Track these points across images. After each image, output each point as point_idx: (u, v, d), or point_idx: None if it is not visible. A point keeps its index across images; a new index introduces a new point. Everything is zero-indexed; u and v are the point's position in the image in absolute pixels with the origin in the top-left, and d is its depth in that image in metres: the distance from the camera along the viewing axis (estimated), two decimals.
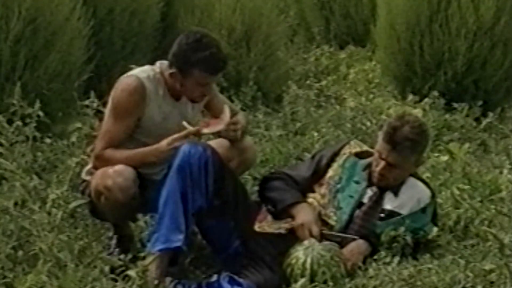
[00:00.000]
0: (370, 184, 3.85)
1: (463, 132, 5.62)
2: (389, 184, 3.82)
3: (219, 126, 3.74)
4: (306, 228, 3.71)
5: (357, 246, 3.71)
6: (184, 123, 3.69)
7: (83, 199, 3.69)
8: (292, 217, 3.78)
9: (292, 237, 3.72)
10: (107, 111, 3.77)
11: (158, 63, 3.81)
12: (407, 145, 3.75)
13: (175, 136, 3.66)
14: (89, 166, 3.81)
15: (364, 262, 3.63)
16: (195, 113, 3.88)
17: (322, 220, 3.76)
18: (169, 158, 3.66)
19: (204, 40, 3.71)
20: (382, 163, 3.78)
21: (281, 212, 3.81)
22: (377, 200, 3.82)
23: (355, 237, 3.73)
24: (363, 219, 3.78)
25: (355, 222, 3.78)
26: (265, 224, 3.77)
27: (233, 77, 6.16)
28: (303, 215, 3.76)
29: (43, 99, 4.53)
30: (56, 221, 3.48)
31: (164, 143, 3.66)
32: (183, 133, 3.65)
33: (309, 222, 3.72)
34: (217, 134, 3.82)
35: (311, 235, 3.69)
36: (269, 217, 3.81)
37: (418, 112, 5.61)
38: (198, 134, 3.70)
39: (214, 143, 3.87)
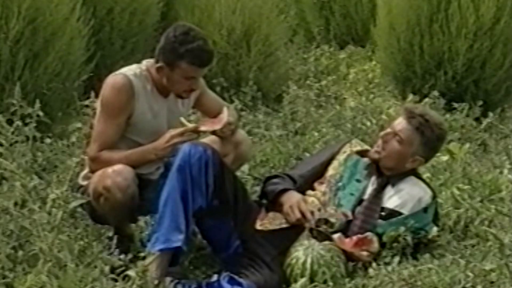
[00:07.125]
0: (369, 176, 3.85)
1: (463, 132, 5.61)
2: (383, 165, 3.83)
3: (217, 125, 3.75)
4: (295, 207, 3.71)
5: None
6: (182, 119, 3.70)
7: (83, 198, 3.69)
8: (281, 206, 3.77)
9: (294, 233, 3.71)
10: (98, 112, 3.77)
11: (144, 61, 3.82)
12: (421, 121, 3.79)
13: (173, 132, 3.66)
14: (86, 171, 3.81)
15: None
16: (185, 110, 3.88)
17: (324, 219, 3.76)
18: (169, 156, 3.65)
19: (191, 33, 3.71)
20: (389, 130, 3.82)
21: (273, 203, 3.81)
22: (377, 195, 3.82)
23: (349, 217, 3.74)
24: (365, 214, 3.78)
25: (357, 218, 3.78)
26: (266, 222, 3.77)
27: (233, 77, 6.16)
28: (289, 198, 3.76)
29: (43, 99, 4.52)
30: (56, 221, 3.46)
31: (162, 140, 3.66)
32: (180, 129, 3.65)
33: (296, 202, 3.72)
34: (211, 133, 3.83)
35: (303, 215, 3.68)
36: (270, 214, 3.80)
37: None
38: (195, 131, 3.70)
39: (208, 139, 3.88)
